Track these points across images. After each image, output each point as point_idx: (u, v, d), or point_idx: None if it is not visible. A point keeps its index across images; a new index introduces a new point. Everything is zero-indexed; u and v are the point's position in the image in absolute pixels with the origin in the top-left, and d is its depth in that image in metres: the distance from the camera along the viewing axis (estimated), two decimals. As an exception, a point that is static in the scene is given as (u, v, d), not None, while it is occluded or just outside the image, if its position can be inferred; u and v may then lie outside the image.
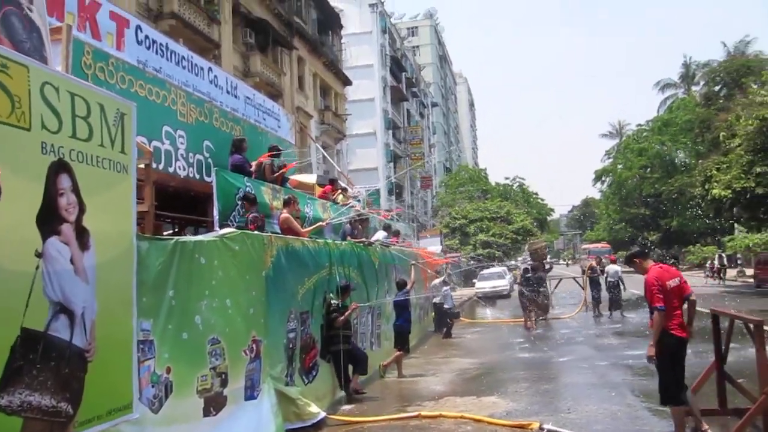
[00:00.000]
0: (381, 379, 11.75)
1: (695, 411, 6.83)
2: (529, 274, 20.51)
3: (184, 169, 9.05)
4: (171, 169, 8.80)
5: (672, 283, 6.71)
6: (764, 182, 25.63)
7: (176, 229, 9.90)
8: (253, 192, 9.30)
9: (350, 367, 10.01)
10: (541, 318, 19.90)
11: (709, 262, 41.40)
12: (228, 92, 12.17)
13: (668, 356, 6.64)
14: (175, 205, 8.89)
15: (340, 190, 15.49)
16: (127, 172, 4.97)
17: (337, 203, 14.07)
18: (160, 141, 8.62)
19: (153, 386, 5.36)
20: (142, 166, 6.75)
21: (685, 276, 7.05)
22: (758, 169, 25.71)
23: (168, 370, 5.55)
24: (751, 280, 34.70)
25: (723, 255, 42.01)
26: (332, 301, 9.76)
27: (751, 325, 6.69)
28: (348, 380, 9.86)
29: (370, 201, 18.98)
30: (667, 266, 7.24)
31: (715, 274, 36.92)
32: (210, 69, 11.56)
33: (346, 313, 9.78)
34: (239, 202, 9.24)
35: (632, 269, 7.59)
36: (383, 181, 48.81)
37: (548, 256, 27.84)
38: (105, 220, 4.68)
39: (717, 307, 8.65)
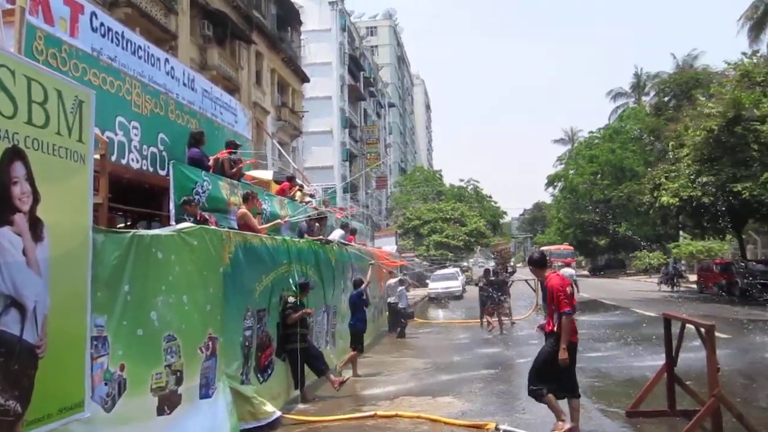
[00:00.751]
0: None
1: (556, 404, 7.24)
2: (492, 278, 19.72)
3: (138, 162, 8.84)
4: (124, 161, 8.58)
5: (569, 290, 7.19)
6: (709, 191, 26.41)
7: (129, 223, 9.64)
8: (198, 196, 9.06)
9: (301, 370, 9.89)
10: (507, 321, 19.30)
11: (663, 268, 42.02)
12: (185, 84, 11.92)
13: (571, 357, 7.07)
14: (127, 198, 8.65)
15: (297, 187, 15.39)
16: (84, 162, 4.81)
17: (295, 200, 13.97)
18: (113, 132, 8.41)
19: (106, 384, 5.20)
20: (97, 156, 6.55)
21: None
22: (704, 179, 26.47)
23: (122, 368, 5.39)
24: (694, 285, 35.90)
25: (677, 261, 43.01)
26: (289, 299, 9.65)
27: (703, 330, 6.88)
28: (304, 380, 9.76)
29: (327, 199, 18.91)
30: (561, 275, 7.74)
31: (669, 281, 37.58)
32: (167, 60, 11.30)
33: (300, 312, 9.66)
34: (195, 198, 9.06)
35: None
36: (338, 179, 48.69)
37: (513, 259, 26.35)
38: (60, 211, 4.52)
39: (667, 311, 8.87)
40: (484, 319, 18.99)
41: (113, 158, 8.46)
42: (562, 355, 6.90)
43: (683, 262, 48.75)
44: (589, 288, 34.49)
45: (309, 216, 12.54)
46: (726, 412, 6.77)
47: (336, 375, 10.75)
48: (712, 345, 6.73)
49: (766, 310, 22.13)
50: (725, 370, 9.67)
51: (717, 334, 7.20)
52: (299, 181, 17.36)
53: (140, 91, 9.10)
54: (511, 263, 25.02)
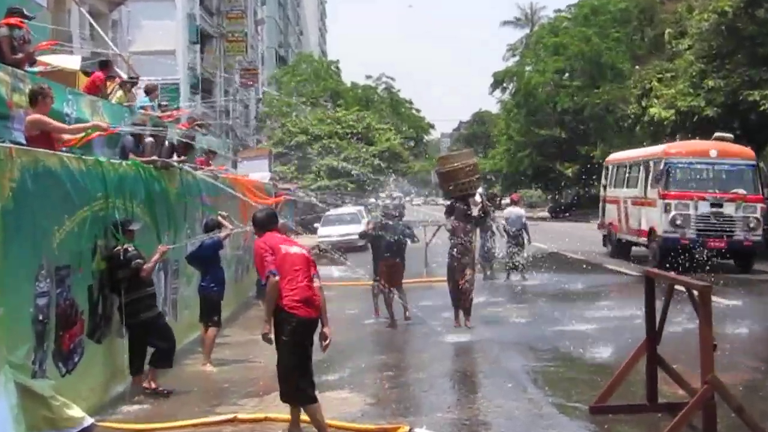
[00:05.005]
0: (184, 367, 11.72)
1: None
2: (391, 222, 16.17)
3: None
4: None
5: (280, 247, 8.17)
6: (717, 101, 27.18)
7: None
8: None
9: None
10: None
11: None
12: None
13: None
14: None
15: (117, 81, 14.98)
16: None
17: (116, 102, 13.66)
18: None
19: None
20: None
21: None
22: (710, 83, 27.19)
23: None
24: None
25: None
26: (128, 247, 9.67)
27: (696, 292, 7.28)
28: (141, 368, 9.75)
29: (166, 102, 18.56)
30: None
31: None
32: None
33: (155, 258, 9.97)
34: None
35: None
36: (184, 71, 47.51)
37: (480, 188, 18.38)
38: None
39: (650, 269, 9.32)
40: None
41: None
42: (264, 329, 7.84)
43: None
44: (548, 236, 35.52)
45: (147, 129, 12.25)
46: (723, 403, 7.25)
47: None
48: (706, 313, 7.16)
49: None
50: (725, 347, 10.34)
51: (715, 298, 7.66)
52: (121, 72, 16.89)
53: None
54: (478, 196, 18.48)
